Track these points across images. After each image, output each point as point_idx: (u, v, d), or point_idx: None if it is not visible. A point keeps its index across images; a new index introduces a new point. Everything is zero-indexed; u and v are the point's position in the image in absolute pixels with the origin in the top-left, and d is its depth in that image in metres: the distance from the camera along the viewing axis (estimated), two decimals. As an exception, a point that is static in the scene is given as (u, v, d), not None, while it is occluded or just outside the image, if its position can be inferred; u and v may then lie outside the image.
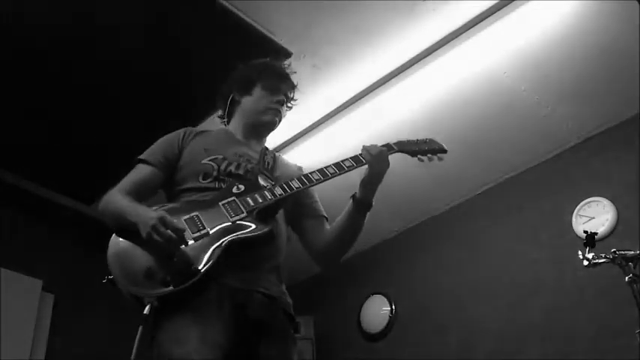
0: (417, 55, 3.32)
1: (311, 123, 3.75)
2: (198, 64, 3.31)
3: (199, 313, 1.70)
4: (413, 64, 3.35)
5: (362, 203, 1.96)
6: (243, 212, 1.83)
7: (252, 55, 2.29)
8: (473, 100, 3.61)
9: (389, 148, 2.05)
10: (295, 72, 2.27)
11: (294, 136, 3.83)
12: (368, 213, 1.98)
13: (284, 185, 1.91)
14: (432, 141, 2.18)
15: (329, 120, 3.70)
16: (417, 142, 2.15)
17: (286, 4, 3.05)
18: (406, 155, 2.13)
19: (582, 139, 3.87)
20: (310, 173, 1.96)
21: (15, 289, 3.80)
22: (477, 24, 3.14)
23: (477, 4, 3.08)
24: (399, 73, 3.40)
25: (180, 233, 1.71)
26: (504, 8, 3.05)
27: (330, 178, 1.96)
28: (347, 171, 1.97)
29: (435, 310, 4.24)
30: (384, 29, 3.20)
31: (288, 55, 3.28)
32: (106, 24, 3.08)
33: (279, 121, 2.18)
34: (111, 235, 1.82)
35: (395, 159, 1.99)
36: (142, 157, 2.04)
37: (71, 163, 3.97)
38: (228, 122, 2.22)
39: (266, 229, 1.83)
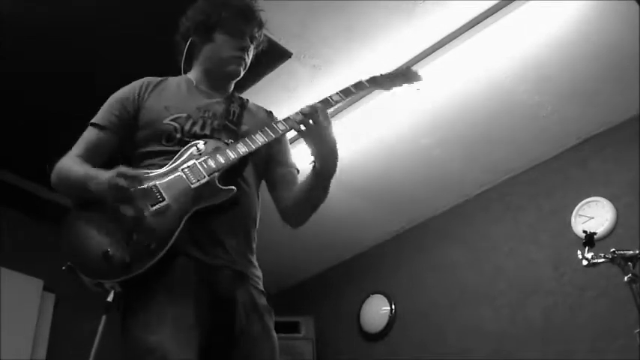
0: (417, 56, 3.32)
1: (311, 123, 3.75)
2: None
3: (167, 294, 1.57)
4: (412, 65, 3.35)
5: (321, 174, 1.84)
6: (204, 176, 1.69)
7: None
8: (473, 101, 3.61)
9: (360, 86, 1.95)
10: (262, 10, 2.07)
11: (294, 136, 3.82)
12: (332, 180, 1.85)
13: (247, 140, 1.77)
14: (407, 69, 2.09)
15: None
16: (392, 75, 2.05)
17: (286, 4, 3.05)
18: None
19: (582, 139, 3.87)
20: (275, 123, 1.85)
21: (16, 289, 3.80)
22: (476, 25, 3.13)
23: (477, 5, 3.08)
24: (398, 74, 3.41)
25: (139, 180, 1.62)
26: (504, 9, 3.05)
27: (295, 127, 1.85)
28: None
29: (435, 310, 4.24)
30: (384, 30, 3.20)
31: (288, 55, 3.28)
32: (108, 34, 3.09)
33: (245, 68, 2.00)
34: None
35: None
36: (93, 120, 1.88)
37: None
38: (189, 68, 2.02)
39: (229, 193, 1.68)
